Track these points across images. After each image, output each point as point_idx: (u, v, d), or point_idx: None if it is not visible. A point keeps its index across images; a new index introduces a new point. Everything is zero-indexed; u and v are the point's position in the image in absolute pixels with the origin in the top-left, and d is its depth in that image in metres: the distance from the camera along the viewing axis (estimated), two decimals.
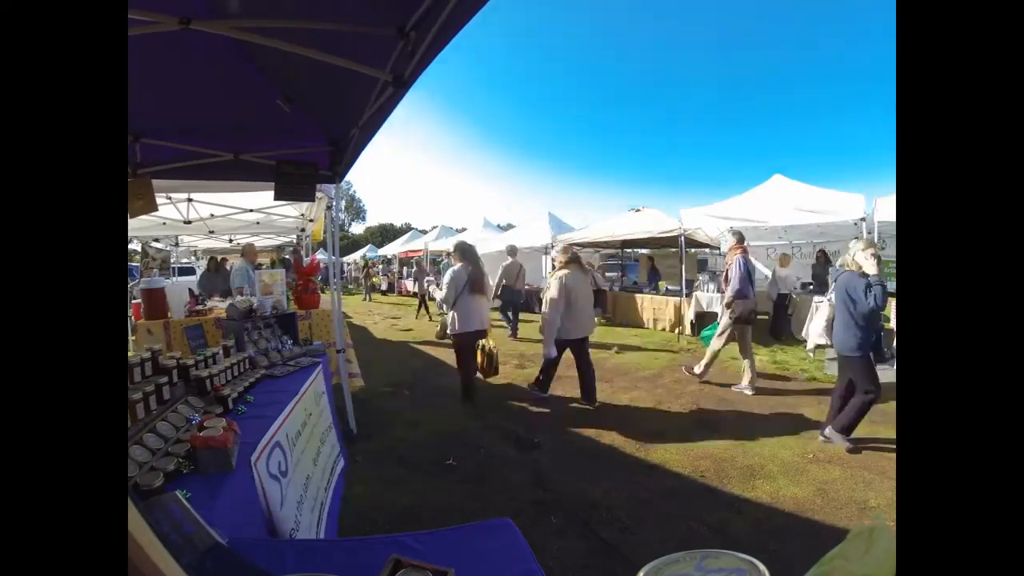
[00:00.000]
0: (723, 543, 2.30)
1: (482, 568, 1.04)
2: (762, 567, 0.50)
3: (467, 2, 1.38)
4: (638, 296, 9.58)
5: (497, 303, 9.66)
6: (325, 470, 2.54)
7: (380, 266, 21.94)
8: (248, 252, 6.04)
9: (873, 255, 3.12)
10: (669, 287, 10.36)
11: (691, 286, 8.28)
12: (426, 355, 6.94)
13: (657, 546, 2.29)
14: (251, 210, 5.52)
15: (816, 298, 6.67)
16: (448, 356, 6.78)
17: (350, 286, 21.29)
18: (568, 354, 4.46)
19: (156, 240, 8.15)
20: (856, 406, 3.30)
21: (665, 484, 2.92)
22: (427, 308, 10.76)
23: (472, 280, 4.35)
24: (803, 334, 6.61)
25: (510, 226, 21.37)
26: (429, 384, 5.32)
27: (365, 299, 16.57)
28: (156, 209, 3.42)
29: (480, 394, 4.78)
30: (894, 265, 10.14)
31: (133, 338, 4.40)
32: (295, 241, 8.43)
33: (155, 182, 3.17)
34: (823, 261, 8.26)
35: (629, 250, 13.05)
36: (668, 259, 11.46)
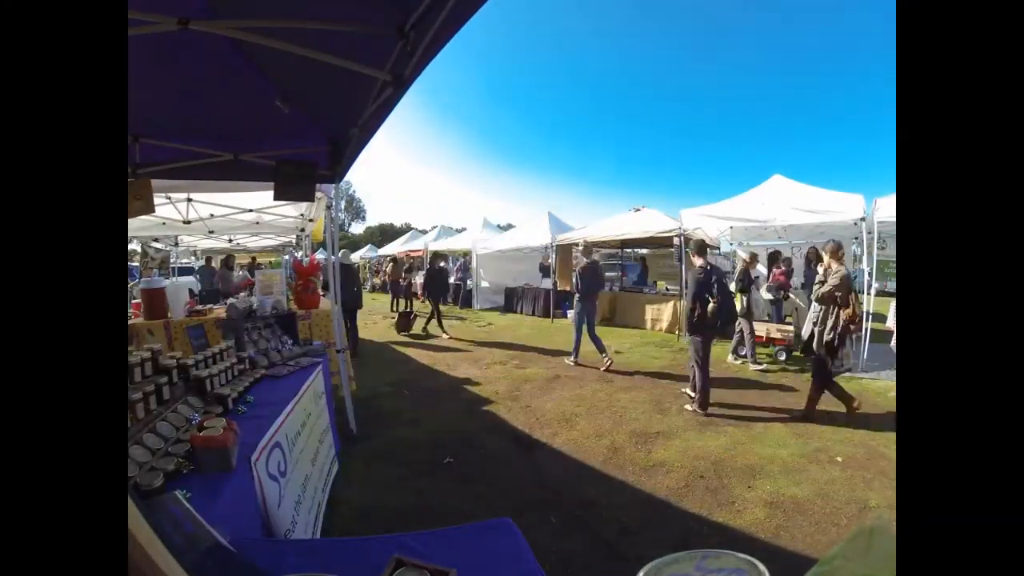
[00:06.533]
0: (723, 543, 2.30)
1: (482, 568, 1.04)
2: (762, 567, 0.50)
3: (466, 2, 1.38)
4: (638, 296, 9.59)
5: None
6: (323, 470, 2.54)
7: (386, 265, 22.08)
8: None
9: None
10: (669, 287, 10.37)
11: None
12: (426, 355, 6.94)
13: (657, 546, 2.29)
14: (251, 210, 5.52)
15: None
16: (446, 357, 6.79)
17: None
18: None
19: (156, 240, 8.14)
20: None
21: (665, 484, 2.92)
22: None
23: None
24: (804, 335, 6.58)
25: (510, 226, 21.34)
26: (429, 384, 5.32)
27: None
28: (154, 210, 3.42)
29: (479, 394, 4.78)
30: (894, 265, 10.10)
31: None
32: (293, 242, 8.43)
33: (155, 182, 3.16)
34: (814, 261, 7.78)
35: (629, 250, 13.06)
36: (668, 259, 11.47)
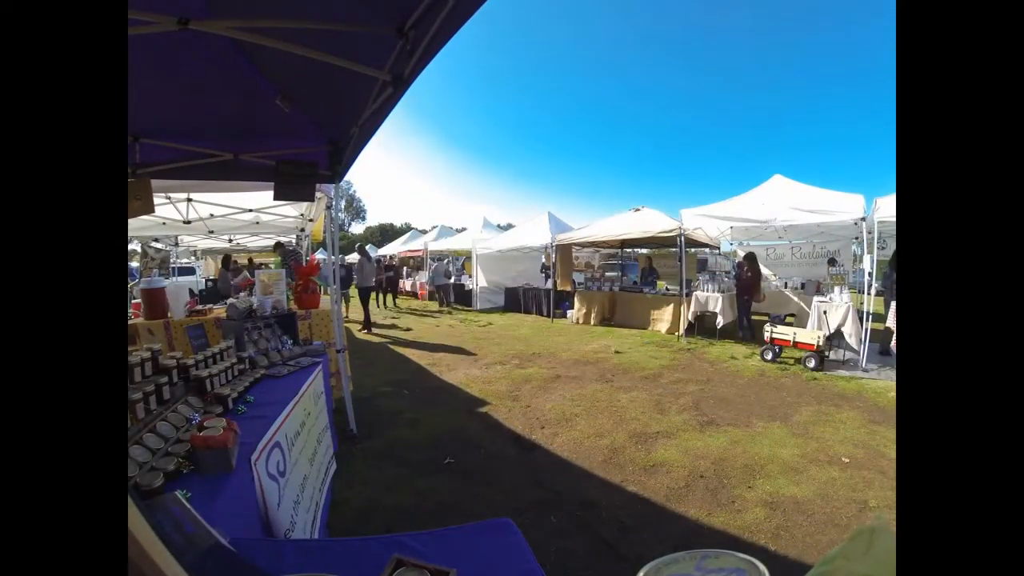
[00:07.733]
0: (723, 543, 2.30)
1: (482, 568, 1.04)
2: (762, 567, 0.50)
3: (466, 1, 1.38)
4: (638, 296, 9.58)
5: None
6: (320, 470, 2.54)
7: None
8: None
9: None
10: (668, 287, 10.36)
11: (690, 286, 8.28)
12: (425, 355, 6.94)
13: (657, 546, 2.29)
14: (251, 210, 5.52)
15: (817, 298, 6.66)
16: (446, 357, 6.79)
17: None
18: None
19: (156, 240, 8.14)
20: None
21: (665, 484, 2.92)
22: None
23: None
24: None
25: (510, 226, 21.34)
26: (429, 384, 5.32)
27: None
28: (153, 210, 3.42)
29: (479, 395, 4.78)
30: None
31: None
32: (293, 242, 8.42)
33: (155, 182, 3.16)
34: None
35: (629, 250, 13.05)
36: (667, 259, 11.46)
